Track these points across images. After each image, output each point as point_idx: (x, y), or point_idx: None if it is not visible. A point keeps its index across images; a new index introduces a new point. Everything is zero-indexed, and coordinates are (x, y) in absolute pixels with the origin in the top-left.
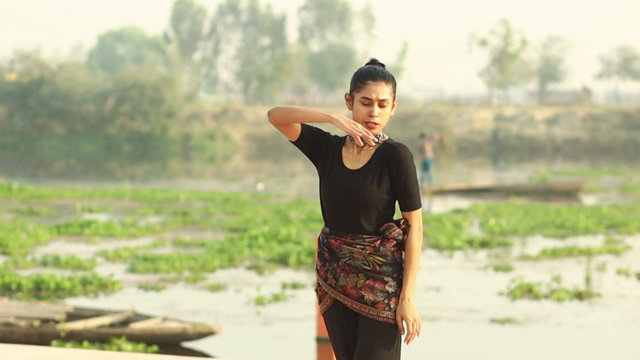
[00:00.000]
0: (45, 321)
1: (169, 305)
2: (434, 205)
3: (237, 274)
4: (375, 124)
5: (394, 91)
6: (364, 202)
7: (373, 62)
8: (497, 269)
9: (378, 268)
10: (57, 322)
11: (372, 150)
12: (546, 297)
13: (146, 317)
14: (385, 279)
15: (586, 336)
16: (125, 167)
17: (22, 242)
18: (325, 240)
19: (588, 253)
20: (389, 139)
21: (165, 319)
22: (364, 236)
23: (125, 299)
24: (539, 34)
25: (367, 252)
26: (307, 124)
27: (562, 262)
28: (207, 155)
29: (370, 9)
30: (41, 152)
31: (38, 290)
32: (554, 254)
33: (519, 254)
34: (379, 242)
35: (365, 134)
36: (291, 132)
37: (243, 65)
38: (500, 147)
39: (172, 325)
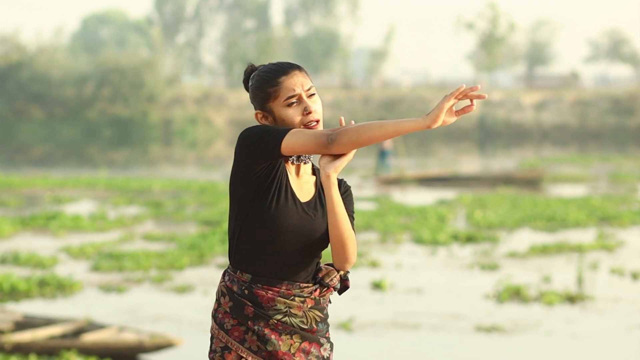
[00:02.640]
0: None
1: (130, 310)
2: (416, 195)
3: (207, 273)
4: (317, 120)
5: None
6: (320, 244)
7: (253, 68)
8: (483, 267)
9: (315, 326)
10: (2, 332)
11: (312, 177)
12: (535, 300)
13: (101, 327)
14: (321, 340)
15: (578, 347)
16: (105, 153)
17: None
18: (246, 291)
19: (579, 249)
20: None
21: (121, 329)
22: (301, 285)
23: (84, 303)
24: (527, 17)
25: (308, 305)
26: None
27: (552, 259)
28: (188, 140)
29: None
30: (19, 137)
31: None
32: (544, 250)
33: (507, 250)
34: (317, 292)
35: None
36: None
37: (227, 48)
38: (487, 133)
39: (128, 337)
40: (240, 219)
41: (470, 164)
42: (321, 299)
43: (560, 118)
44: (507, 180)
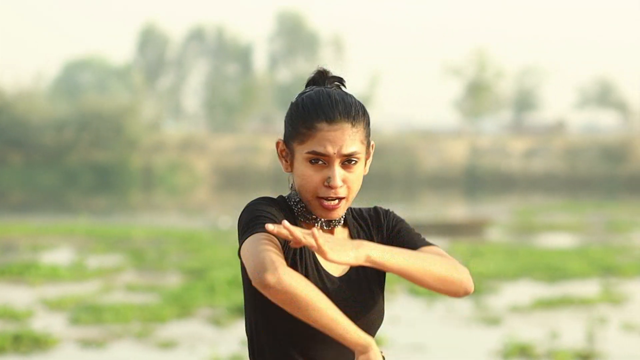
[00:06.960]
0: None
1: None
2: None
3: (192, 326)
4: (339, 198)
5: (368, 133)
6: (368, 324)
7: (322, 74)
8: (485, 321)
9: None
10: None
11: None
12: (545, 357)
13: None
14: None
15: None
16: (85, 199)
17: None
18: None
19: (585, 303)
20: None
21: None
22: None
23: (61, 359)
24: (515, 63)
25: None
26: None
27: (557, 313)
28: (169, 187)
29: (340, 38)
30: None
31: None
32: (548, 304)
33: (508, 303)
34: None
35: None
36: None
37: (209, 93)
38: (474, 180)
39: None
40: (258, 308)
41: (455, 211)
42: None
43: (549, 165)
44: (450, 227)
